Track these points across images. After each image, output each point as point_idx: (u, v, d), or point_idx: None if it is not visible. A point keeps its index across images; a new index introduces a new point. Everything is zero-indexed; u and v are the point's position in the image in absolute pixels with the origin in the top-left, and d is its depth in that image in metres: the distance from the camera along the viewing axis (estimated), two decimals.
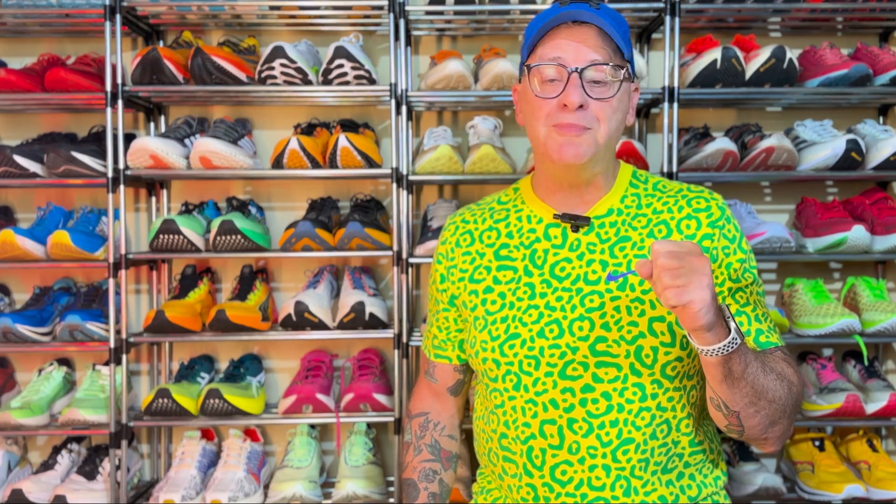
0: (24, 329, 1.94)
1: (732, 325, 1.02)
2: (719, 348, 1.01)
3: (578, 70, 1.13)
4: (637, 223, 1.22)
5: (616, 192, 1.24)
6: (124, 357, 1.92)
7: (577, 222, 1.22)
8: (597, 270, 1.19)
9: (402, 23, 1.92)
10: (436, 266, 1.35)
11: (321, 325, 1.94)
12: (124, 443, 1.92)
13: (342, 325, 1.94)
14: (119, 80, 1.89)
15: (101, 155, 1.96)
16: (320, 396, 1.94)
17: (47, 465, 1.99)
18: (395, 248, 1.92)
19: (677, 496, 1.19)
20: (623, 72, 1.16)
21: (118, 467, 1.92)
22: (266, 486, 1.99)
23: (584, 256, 1.20)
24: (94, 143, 2.02)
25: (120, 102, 1.90)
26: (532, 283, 1.22)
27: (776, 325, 1.24)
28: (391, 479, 2.06)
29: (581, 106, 1.13)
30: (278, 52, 1.87)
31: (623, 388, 1.15)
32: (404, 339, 1.92)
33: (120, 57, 1.89)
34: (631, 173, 1.28)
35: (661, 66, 1.91)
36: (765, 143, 1.87)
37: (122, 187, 1.91)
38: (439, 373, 1.39)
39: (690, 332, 1.02)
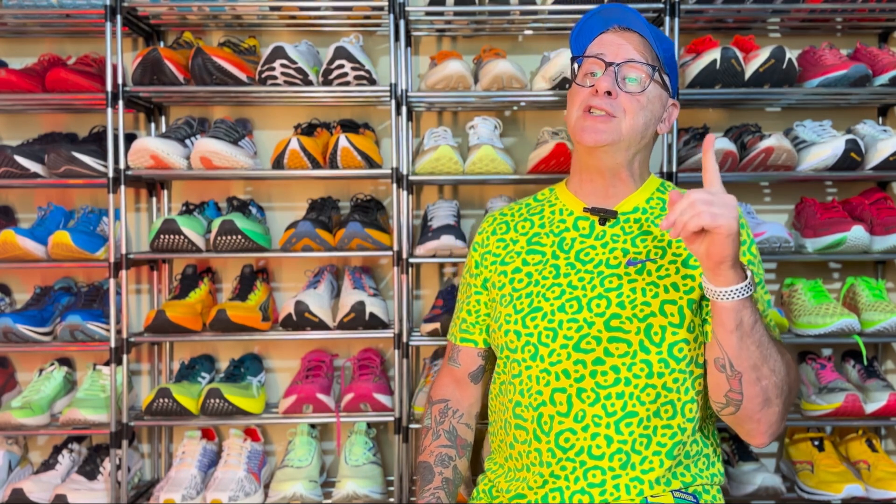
0: (24, 329, 1.95)
1: (748, 272, 1.12)
2: (738, 289, 1.10)
3: (616, 64, 1.27)
4: (659, 221, 1.31)
5: (642, 193, 1.35)
6: (125, 357, 1.92)
7: (606, 215, 1.32)
8: (618, 257, 1.29)
9: (402, 23, 1.92)
10: (471, 254, 1.45)
11: (321, 325, 1.95)
12: (125, 442, 1.92)
13: (342, 325, 1.95)
14: (120, 81, 1.90)
15: (102, 155, 1.96)
16: (320, 396, 1.94)
17: (48, 465, 2.00)
18: (396, 248, 1.92)
19: (669, 481, 1.24)
20: (656, 74, 1.29)
21: (119, 467, 1.93)
22: (266, 486, 2.00)
23: (608, 245, 1.31)
24: (95, 143, 2.02)
25: (120, 103, 1.90)
26: (558, 264, 1.31)
27: (776, 325, 1.31)
28: (391, 478, 2.06)
29: (610, 93, 1.26)
30: (279, 53, 1.87)
31: (632, 363, 1.23)
32: (404, 339, 1.92)
33: (121, 57, 1.90)
34: (660, 183, 1.39)
35: None
36: (764, 144, 1.87)
37: (122, 187, 1.91)
38: (463, 357, 1.45)
39: (714, 271, 1.09)
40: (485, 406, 1.46)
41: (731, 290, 1.10)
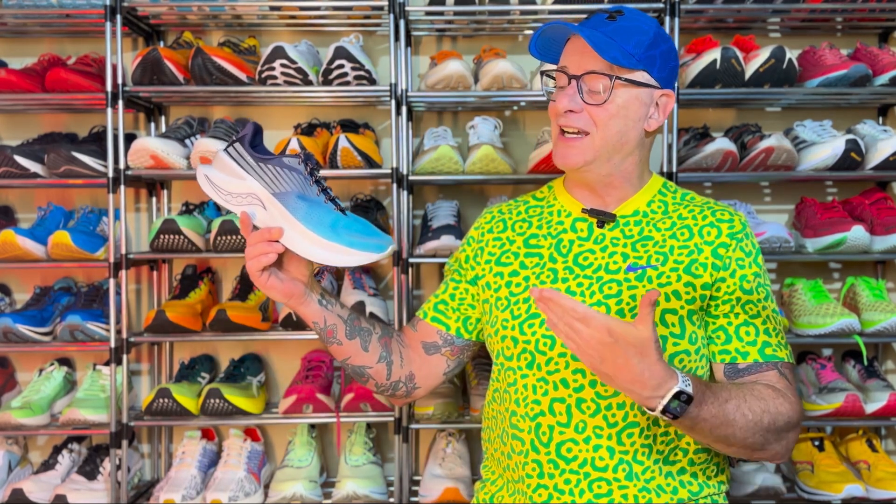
0: (24, 329, 1.95)
1: (674, 382, 1.05)
2: (669, 407, 1.06)
3: (576, 77, 1.22)
4: (661, 225, 1.28)
5: (643, 196, 1.31)
6: (125, 357, 1.92)
7: (604, 218, 1.28)
8: (618, 262, 1.26)
9: (402, 23, 1.92)
10: (463, 247, 1.40)
11: None
12: (125, 443, 1.92)
13: None
14: (119, 81, 1.90)
15: (102, 155, 1.96)
16: (320, 396, 1.94)
17: (48, 465, 2.00)
18: (395, 248, 1.92)
19: (675, 489, 1.22)
20: (616, 81, 1.20)
21: (119, 467, 1.93)
22: (266, 486, 2.00)
23: (607, 249, 1.27)
24: (95, 143, 2.02)
25: (120, 103, 1.90)
26: (556, 268, 1.28)
27: (787, 342, 1.27)
28: (391, 478, 2.06)
29: (573, 111, 1.22)
30: (279, 53, 1.87)
31: None
32: None
33: (120, 57, 1.90)
34: (662, 183, 1.35)
35: None
36: (764, 144, 1.87)
37: (122, 187, 1.91)
38: (422, 327, 1.38)
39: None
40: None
41: (662, 410, 1.05)
